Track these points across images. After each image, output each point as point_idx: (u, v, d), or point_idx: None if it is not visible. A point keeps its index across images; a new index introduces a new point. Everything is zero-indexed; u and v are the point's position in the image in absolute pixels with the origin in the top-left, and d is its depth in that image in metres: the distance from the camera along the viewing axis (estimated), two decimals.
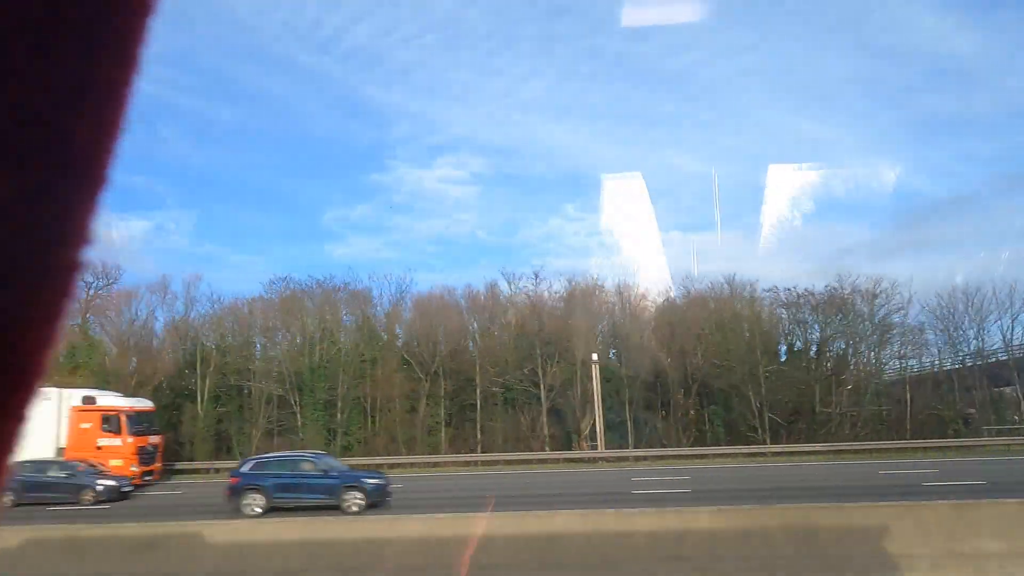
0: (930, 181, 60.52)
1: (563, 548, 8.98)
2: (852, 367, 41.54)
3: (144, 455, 28.19)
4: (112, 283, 45.64)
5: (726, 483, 24.06)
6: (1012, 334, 39.91)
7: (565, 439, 39.85)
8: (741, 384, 39.08)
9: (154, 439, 29.63)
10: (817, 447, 34.70)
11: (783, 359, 42.30)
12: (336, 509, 18.69)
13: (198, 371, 41.45)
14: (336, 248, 68.36)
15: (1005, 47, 56.80)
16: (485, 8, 65.57)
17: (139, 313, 44.20)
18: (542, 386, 40.61)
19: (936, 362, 42.37)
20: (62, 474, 23.60)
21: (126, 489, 24.37)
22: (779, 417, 38.53)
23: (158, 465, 29.67)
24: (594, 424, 37.83)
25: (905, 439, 35.89)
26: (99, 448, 27.00)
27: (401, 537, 9.51)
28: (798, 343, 42.92)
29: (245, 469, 20.38)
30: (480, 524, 9.35)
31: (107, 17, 0.42)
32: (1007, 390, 40.24)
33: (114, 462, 26.44)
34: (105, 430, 27.55)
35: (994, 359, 40.65)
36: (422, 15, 63.48)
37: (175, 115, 65.33)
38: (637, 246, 41.87)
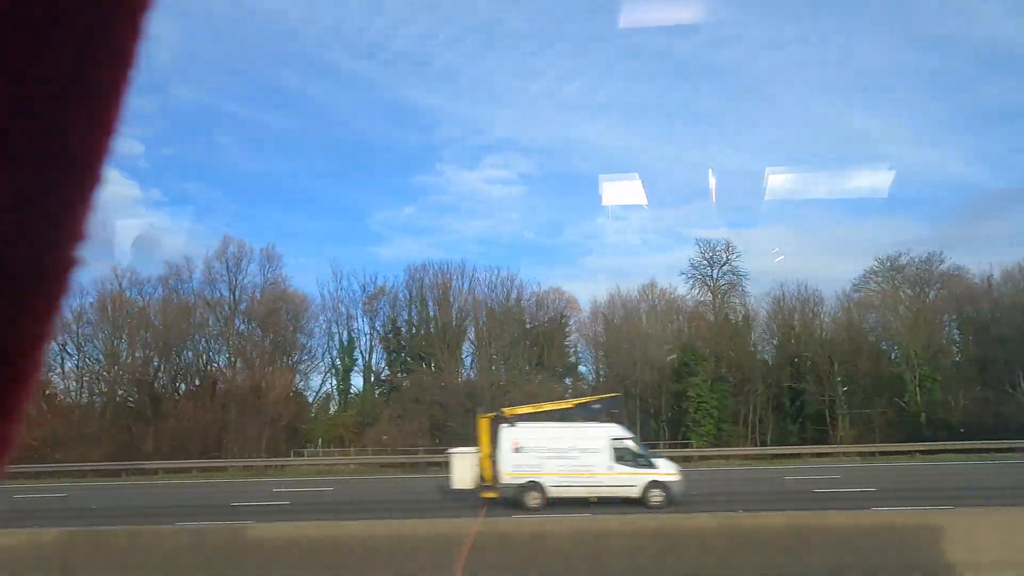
0: (990, 171, 60.05)
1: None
2: None
3: None
4: None
5: None
6: None
7: None
8: None
9: None
10: None
11: None
12: None
13: None
14: (383, 250, 68.66)
15: None
16: (524, 8, 65.37)
17: None
18: None
19: None
20: None
21: None
22: None
23: None
24: None
25: None
26: None
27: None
28: None
29: None
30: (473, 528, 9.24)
31: (102, 14, 0.41)
32: None
33: None
34: None
35: None
36: (463, 18, 63.20)
37: (229, 123, 65.91)
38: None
